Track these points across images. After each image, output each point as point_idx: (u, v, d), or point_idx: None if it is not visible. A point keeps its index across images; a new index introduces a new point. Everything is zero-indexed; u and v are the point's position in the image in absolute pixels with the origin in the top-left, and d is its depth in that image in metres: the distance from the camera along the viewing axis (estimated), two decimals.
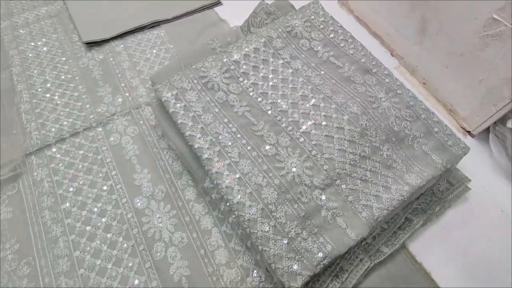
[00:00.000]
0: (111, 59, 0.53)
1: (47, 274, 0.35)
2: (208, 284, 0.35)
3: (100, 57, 0.54)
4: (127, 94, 0.49)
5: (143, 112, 0.48)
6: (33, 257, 0.36)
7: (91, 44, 0.55)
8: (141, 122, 0.47)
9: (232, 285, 0.35)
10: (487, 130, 0.47)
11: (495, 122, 0.45)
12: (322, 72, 0.43)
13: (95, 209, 0.39)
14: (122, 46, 0.55)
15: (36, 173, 0.42)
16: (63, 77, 0.51)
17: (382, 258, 0.36)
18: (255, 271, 0.36)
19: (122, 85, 0.50)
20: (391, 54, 0.56)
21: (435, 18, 0.46)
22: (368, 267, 0.35)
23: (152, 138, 0.45)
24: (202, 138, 0.37)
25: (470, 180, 0.42)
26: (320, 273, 0.33)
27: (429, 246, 0.38)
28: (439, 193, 0.41)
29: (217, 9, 0.62)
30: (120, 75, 0.52)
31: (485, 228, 0.40)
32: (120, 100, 0.49)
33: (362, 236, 0.32)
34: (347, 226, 0.33)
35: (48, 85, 0.50)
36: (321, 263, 0.31)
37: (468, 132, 0.48)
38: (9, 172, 0.41)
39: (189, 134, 0.38)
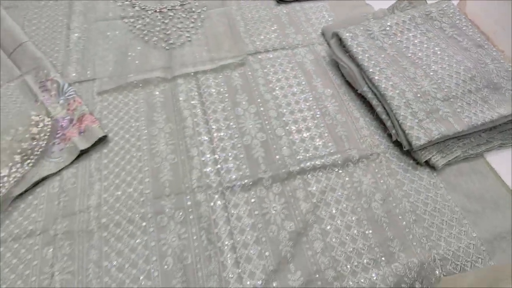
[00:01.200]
0: (293, 13, 0.80)
1: (265, 117, 0.61)
2: (356, 142, 0.59)
3: (286, 11, 0.80)
4: (305, 35, 0.75)
5: (316, 48, 0.73)
6: (255, 104, 0.62)
7: (280, 2, 0.82)
8: (314, 53, 0.72)
9: (371, 147, 0.58)
10: None
11: None
12: (447, 42, 0.65)
13: (289, 91, 0.65)
14: (299, 7, 0.82)
15: (253, 65, 0.69)
16: (263, 17, 0.78)
17: (468, 156, 0.57)
18: (386, 142, 0.59)
19: (302, 30, 0.76)
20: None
21: None
22: (458, 156, 0.56)
23: (322, 62, 0.70)
24: (368, 62, 0.61)
25: None
26: (430, 147, 0.55)
27: (500, 160, 0.58)
28: None
29: None
30: (299, 24, 0.78)
31: None
32: (300, 38, 0.75)
33: (462, 130, 0.54)
34: (454, 122, 0.55)
35: (255, 19, 0.78)
36: (435, 137, 0.53)
37: None
38: (239, 60, 0.69)
39: (360, 58, 0.62)
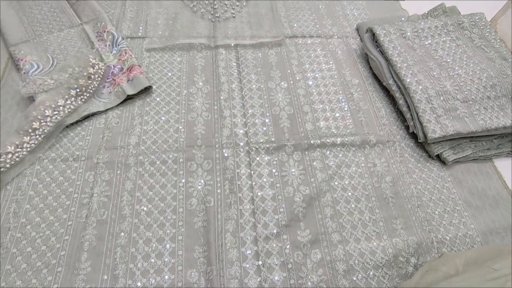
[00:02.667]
0: (331, 7, 0.85)
1: (295, 94, 0.66)
2: (375, 128, 0.63)
3: (325, 4, 0.85)
4: (340, 28, 0.80)
5: (349, 40, 0.78)
6: (287, 81, 0.68)
7: None
8: (347, 45, 0.77)
9: (388, 135, 0.63)
10: None
11: None
12: (474, 51, 0.69)
13: (319, 75, 0.70)
14: (337, 2, 0.86)
15: (289, 47, 0.74)
16: (303, 6, 0.83)
17: (477, 157, 0.61)
18: (403, 133, 0.63)
19: (338, 22, 0.81)
20: None
21: None
22: (468, 155, 0.60)
23: (353, 54, 0.75)
24: (397, 57, 0.66)
25: None
26: (443, 142, 0.59)
27: (507, 166, 0.62)
28: None
29: (400, 2, 0.91)
30: (336, 17, 0.83)
31: None
32: (336, 29, 0.79)
33: (477, 130, 0.58)
34: (469, 123, 0.59)
35: (296, 7, 0.83)
36: (449, 132, 0.57)
37: None
38: (276, 41, 0.74)
39: (390, 53, 0.66)
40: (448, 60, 0.67)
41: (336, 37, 0.78)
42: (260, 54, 0.72)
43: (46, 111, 0.55)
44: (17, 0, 0.72)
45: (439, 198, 0.57)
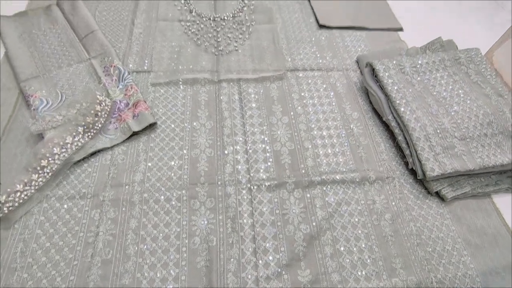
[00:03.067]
0: (332, 39, 0.87)
1: (296, 129, 0.68)
2: (374, 164, 0.64)
3: (326, 35, 0.88)
4: (340, 60, 0.82)
5: (348, 72, 0.80)
6: (288, 116, 0.69)
7: (322, 27, 0.89)
8: (347, 78, 0.79)
9: (387, 171, 0.64)
10: None
11: None
12: (471, 87, 0.71)
13: (320, 109, 0.71)
14: (338, 34, 0.89)
15: (290, 80, 0.76)
16: (305, 38, 0.86)
17: (476, 194, 0.62)
18: (402, 169, 0.64)
19: (338, 55, 0.83)
20: None
21: None
22: (466, 192, 0.61)
23: (353, 88, 0.77)
24: (396, 93, 0.67)
25: None
26: (442, 180, 0.60)
27: (506, 202, 0.63)
28: None
29: (399, 33, 0.93)
30: (336, 49, 0.85)
31: None
32: (336, 62, 0.81)
33: (474, 169, 0.59)
34: (467, 161, 0.60)
35: (297, 39, 0.85)
36: (448, 170, 0.59)
37: None
38: (278, 74, 0.76)
39: (389, 89, 0.68)
40: (446, 96, 0.69)
41: (336, 70, 0.80)
42: (262, 88, 0.73)
43: (54, 148, 0.57)
44: (29, 33, 0.75)
45: (438, 236, 0.58)
